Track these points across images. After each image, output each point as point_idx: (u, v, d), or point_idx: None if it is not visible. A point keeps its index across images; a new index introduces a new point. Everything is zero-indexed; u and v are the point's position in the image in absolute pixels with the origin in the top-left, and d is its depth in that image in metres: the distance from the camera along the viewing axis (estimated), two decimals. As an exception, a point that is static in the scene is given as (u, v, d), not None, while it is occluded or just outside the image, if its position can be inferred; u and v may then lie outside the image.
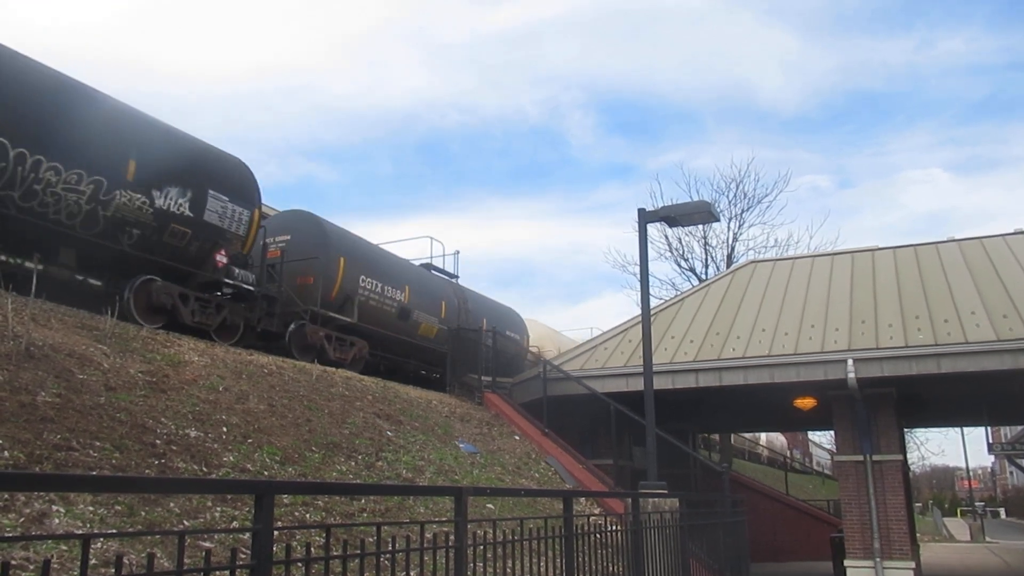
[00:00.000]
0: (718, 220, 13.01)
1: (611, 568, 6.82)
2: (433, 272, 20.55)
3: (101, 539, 5.47)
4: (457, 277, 21.71)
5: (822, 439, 51.97)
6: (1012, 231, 16.61)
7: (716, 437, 30.11)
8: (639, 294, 11.88)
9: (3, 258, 10.37)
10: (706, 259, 29.97)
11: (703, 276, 28.70)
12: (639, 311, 12.96)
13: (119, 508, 6.05)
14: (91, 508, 5.87)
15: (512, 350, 19.64)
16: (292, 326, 14.34)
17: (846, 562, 13.92)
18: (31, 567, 4.80)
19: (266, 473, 8.10)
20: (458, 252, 22.07)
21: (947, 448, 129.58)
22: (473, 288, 22.06)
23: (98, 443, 6.85)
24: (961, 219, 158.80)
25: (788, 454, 46.65)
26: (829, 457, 56.07)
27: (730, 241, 29.83)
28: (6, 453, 5.99)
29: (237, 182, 12.00)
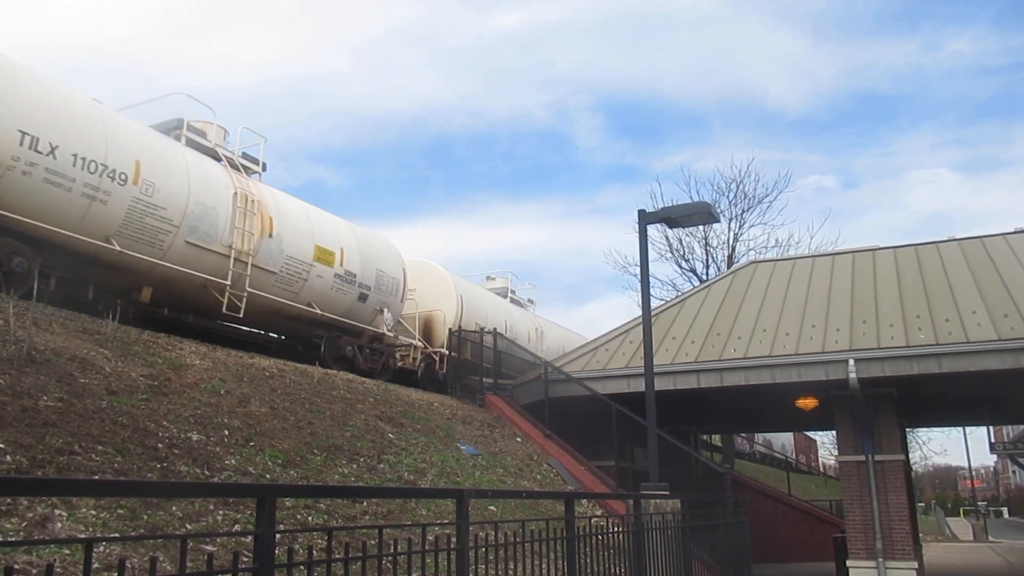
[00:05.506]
0: (718, 221, 12.99)
1: (613, 570, 6.82)
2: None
3: (104, 543, 5.48)
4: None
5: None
6: (1012, 230, 16.60)
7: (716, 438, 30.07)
8: (640, 295, 11.89)
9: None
10: (707, 260, 29.90)
11: (704, 277, 28.64)
12: (640, 312, 12.97)
13: (121, 512, 6.06)
14: (93, 512, 5.88)
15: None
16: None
17: (849, 562, 13.89)
18: (34, 571, 4.80)
19: (268, 476, 8.11)
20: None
21: (949, 448, 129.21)
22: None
23: (100, 447, 6.86)
24: (968, 219, 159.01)
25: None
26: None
27: (731, 242, 29.75)
28: (8, 457, 6.00)
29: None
